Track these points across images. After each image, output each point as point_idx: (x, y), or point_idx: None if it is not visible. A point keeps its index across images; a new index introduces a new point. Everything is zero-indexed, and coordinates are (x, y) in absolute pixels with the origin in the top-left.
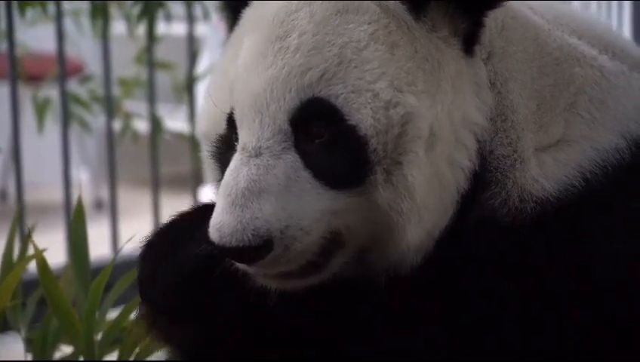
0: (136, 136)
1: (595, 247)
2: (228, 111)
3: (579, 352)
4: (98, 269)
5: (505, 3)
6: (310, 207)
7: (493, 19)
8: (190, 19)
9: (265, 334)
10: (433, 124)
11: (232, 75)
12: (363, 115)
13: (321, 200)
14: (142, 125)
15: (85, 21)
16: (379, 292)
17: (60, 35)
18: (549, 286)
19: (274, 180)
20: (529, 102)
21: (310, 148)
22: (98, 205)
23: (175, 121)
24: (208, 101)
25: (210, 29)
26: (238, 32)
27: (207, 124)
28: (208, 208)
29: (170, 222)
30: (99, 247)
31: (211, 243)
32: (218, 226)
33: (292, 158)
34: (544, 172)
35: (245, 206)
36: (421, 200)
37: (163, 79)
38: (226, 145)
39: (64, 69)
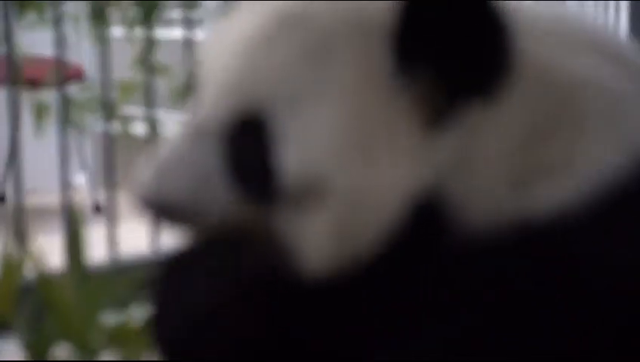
0: (134, 140)
1: (587, 258)
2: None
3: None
4: (96, 273)
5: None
6: (217, 201)
7: None
8: (188, 23)
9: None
10: (356, 193)
11: (223, 40)
12: (288, 162)
13: (230, 199)
14: (140, 129)
15: (84, 25)
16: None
17: (59, 40)
18: (530, 295)
19: (191, 168)
20: (510, 145)
21: (239, 152)
22: (96, 209)
23: (173, 126)
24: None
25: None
26: (246, 7)
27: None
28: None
29: (177, 256)
30: (97, 251)
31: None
32: (138, 182)
33: (219, 152)
34: (527, 199)
35: (157, 177)
36: (320, 247)
37: (161, 84)
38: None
39: (63, 73)
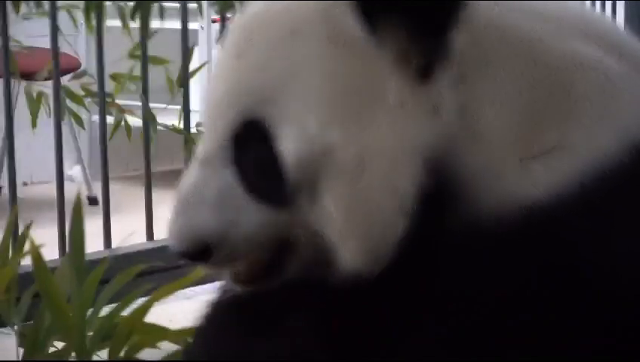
0: (129, 131)
1: (587, 251)
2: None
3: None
4: (91, 265)
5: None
6: (245, 218)
7: (471, 44)
8: (184, 15)
9: None
10: (361, 155)
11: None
12: (288, 147)
13: (256, 213)
14: (135, 121)
15: (79, 15)
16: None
17: (55, 31)
18: (532, 288)
19: (210, 192)
20: (511, 119)
21: (246, 165)
22: (91, 201)
23: (169, 117)
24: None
25: (200, 25)
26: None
27: None
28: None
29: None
30: (92, 244)
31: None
32: (169, 229)
33: (230, 173)
34: (531, 180)
35: (183, 214)
36: (344, 228)
37: (158, 75)
38: None
39: (58, 64)
